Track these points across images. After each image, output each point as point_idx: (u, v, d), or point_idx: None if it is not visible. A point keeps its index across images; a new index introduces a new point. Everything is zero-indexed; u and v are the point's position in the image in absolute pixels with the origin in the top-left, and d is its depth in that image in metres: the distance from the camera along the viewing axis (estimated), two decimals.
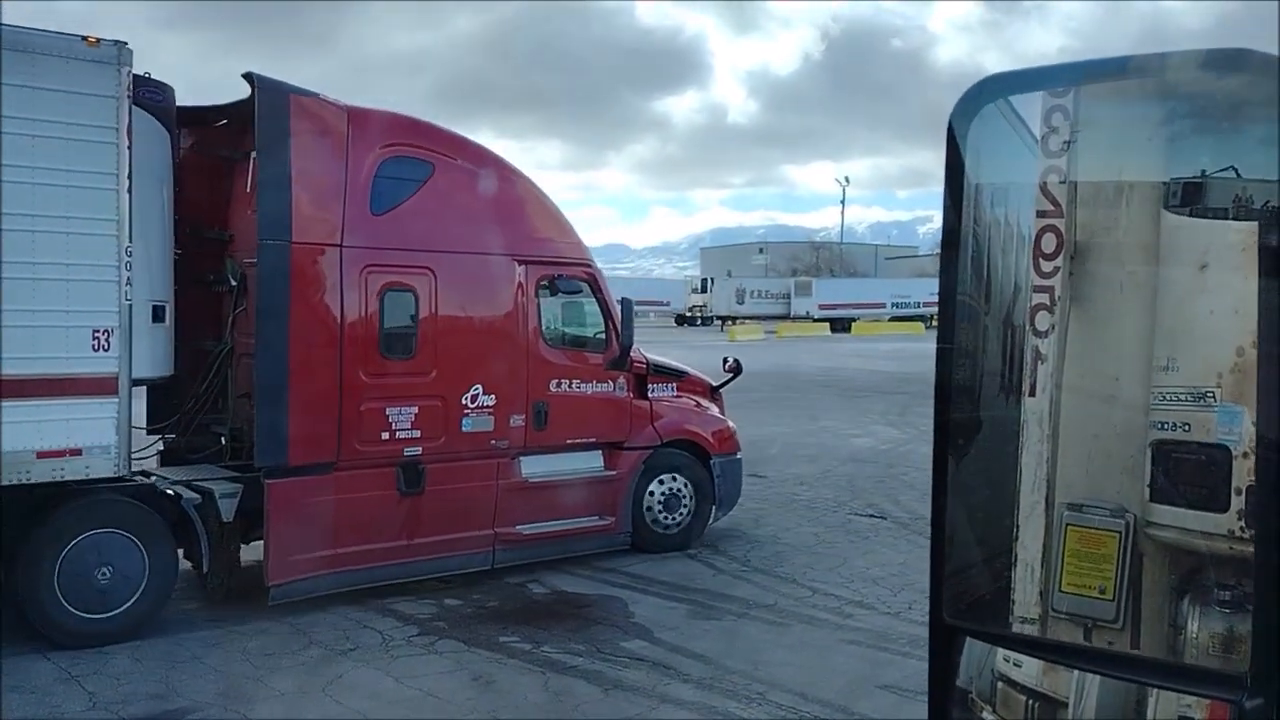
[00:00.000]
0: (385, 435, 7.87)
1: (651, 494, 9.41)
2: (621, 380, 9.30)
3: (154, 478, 7.67)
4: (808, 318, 68.85)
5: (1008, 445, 1.73)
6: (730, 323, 67.25)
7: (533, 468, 8.76)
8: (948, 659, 1.72)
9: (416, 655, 6.78)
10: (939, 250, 1.78)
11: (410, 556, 8.04)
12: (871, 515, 11.11)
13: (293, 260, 7.48)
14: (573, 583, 8.54)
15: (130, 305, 6.97)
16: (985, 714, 1.70)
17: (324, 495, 7.63)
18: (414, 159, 8.19)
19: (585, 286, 9.23)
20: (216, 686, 6.20)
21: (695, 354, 41.19)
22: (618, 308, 9.31)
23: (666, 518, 9.47)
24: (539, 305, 8.80)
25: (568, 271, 9.04)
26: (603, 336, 9.27)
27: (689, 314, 77.13)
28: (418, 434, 8.01)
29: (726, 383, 10.66)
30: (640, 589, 8.35)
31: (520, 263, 8.65)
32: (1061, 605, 1.70)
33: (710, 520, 9.82)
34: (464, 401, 8.24)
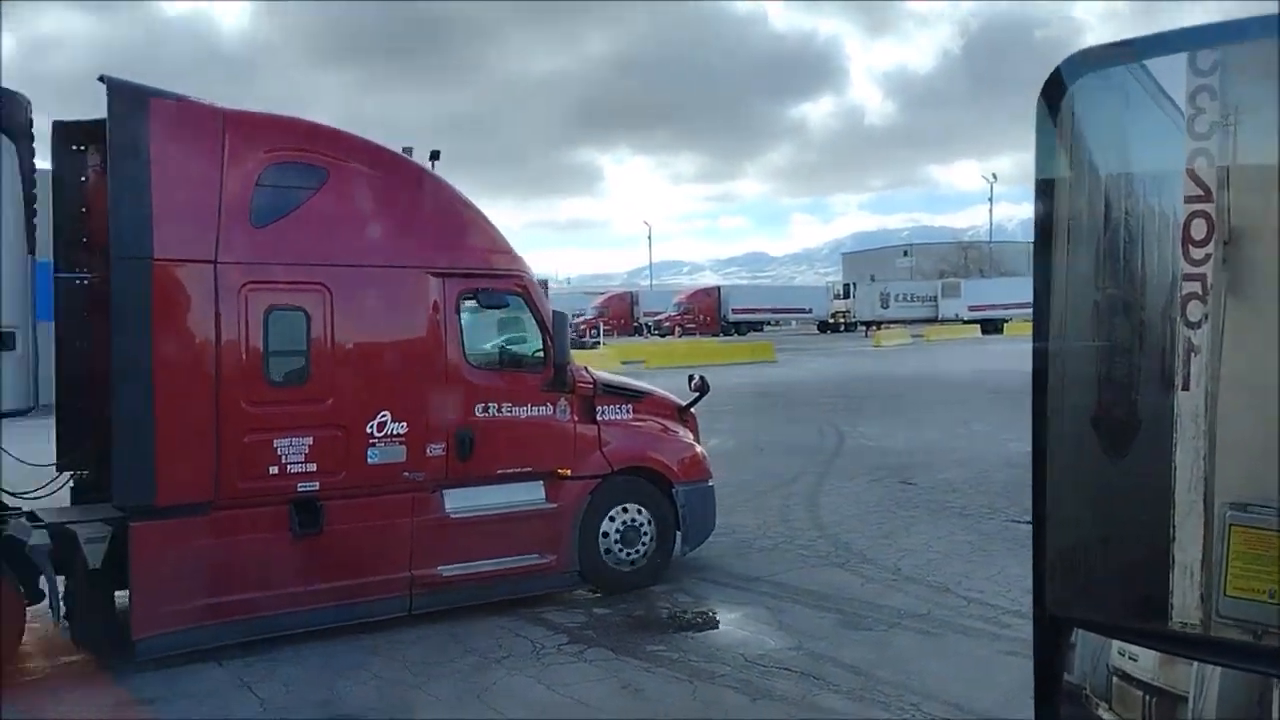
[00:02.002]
0: (274, 470, 7.06)
1: (607, 527, 8.42)
2: (564, 402, 8.30)
3: (12, 520, 7.00)
4: (957, 320, 67.08)
5: (1154, 442, 1.64)
6: (875, 328, 65.97)
7: (458, 502, 7.84)
8: (1053, 652, 1.65)
9: (567, 663, 6.89)
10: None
11: (309, 604, 7.23)
12: (1030, 522, 10.69)
13: (154, 278, 6.74)
14: (719, 592, 8.52)
15: None
16: (1101, 711, 1.62)
17: (200, 538, 6.90)
18: (303, 164, 7.36)
19: (517, 300, 8.25)
20: (378, 693, 6.43)
21: (835, 360, 40.66)
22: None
23: (625, 552, 8.44)
24: (460, 322, 7.91)
25: (494, 284, 8.07)
26: (541, 355, 8.33)
27: (832, 320, 76.06)
28: (313, 468, 7.17)
29: (694, 402, 9.59)
30: (788, 598, 8.26)
31: (435, 275, 7.75)
32: (1227, 610, 1.61)
33: (676, 555, 8.90)
34: (369, 430, 7.36)
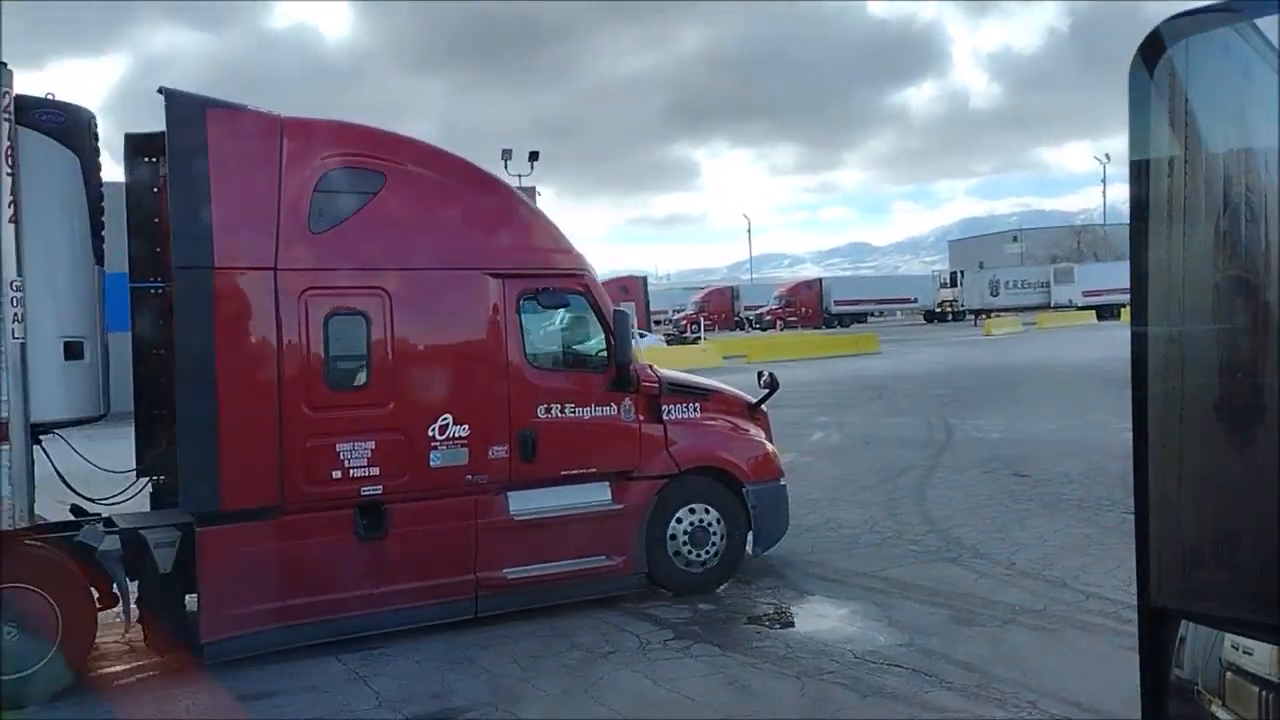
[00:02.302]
0: (337, 474, 7.10)
1: (675, 528, 8.28)
2: (628, 402, 8.16)
3: (86, 526, 7.04)
4: (1070, 306, 65.14)
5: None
6: (984, 316, 64.45)
7: (523, 504, 7.78)
8: (1159, 644, 1.55)
9: (673, 659, 6.88)
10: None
11: (374, 607, 7.28)
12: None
13: (216, 286, 6.85)
14: (825, 588, 8.40)
15: (22, 344, 6.46)
16: (1215, 708, 1.52)
17: (266, 543, 6.99)
18: (361, 169, 7.42)
19: (578, 299, 8.14)
20: (488, 686, 6.52)
21: (943, 350, 39.91)
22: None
23: (694, 554, 8.29)
24: (521, 322, 7.83)
25: (555, 284, 7.94)
26: (605, 355, 8.20)
27: (938, 310, 74.65)
28: (376, 472, 7.19)
29: (764, 399, 9.35)
30: (897, 594, 8.11)
31: (495, 276, 7.71)
32: None
33: (748, 556, 8.67)
34: (431, 434, 7.36)
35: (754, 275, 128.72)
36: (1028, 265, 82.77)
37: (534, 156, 40.33)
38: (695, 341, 48.34)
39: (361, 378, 7.39)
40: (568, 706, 6.16)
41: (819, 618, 7.66)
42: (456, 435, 7.44)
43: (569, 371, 8.25)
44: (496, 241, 7.89)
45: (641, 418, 8.27)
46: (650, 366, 8.64)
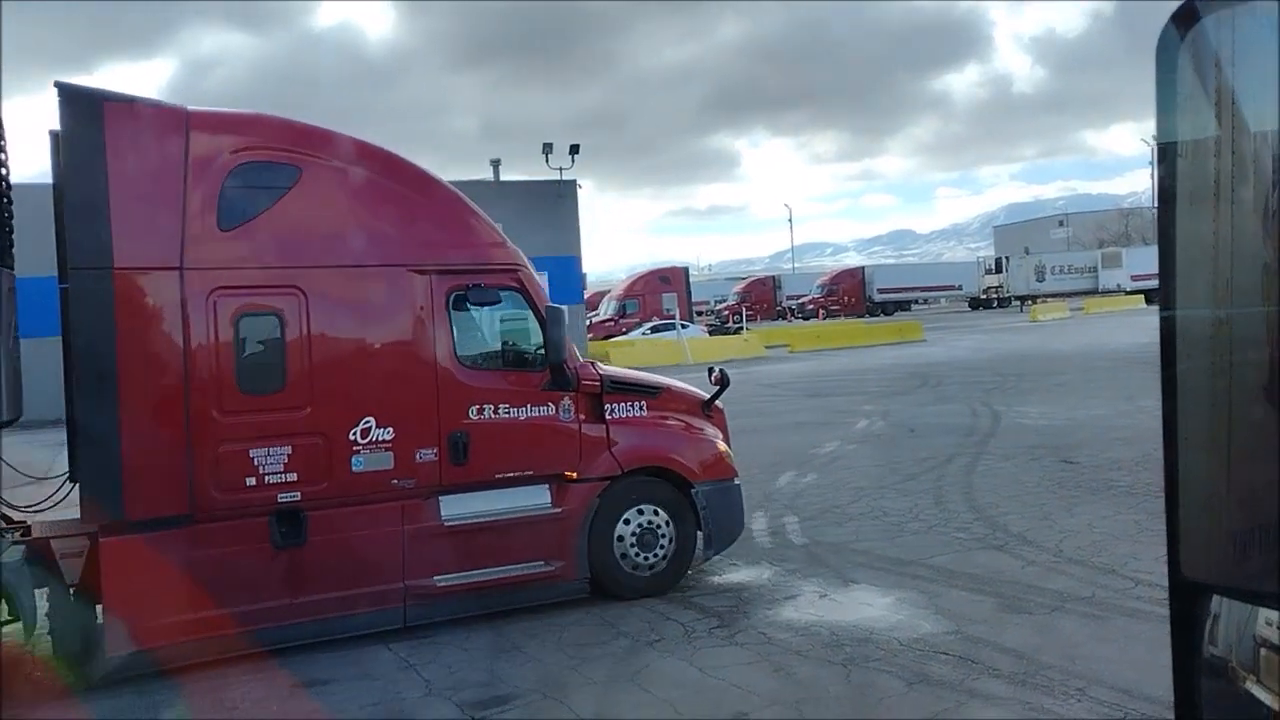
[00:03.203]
0: (251, 481, 6.84)
1: (622, 531, 7.99)
2: (567, 402, 7.89)
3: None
4: (1119, 291, 64.23)
5: None
6: (1030, 302, 63.68)
7: (455, 509, 7.50)
8: (1190, 620, 1.55)
9: (719, 646, 6.91)
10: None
11: (295, 617, 6.99)
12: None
13: (116, 288, 6.55)
14: (871, 576, 8.38)
15: None
16: (1249, 684, 1.51)
17: (176, 553, 6.67)
18: (273, 163, 7.10)
19: (512, 296, 7.85)
20: (536, 674, 6.59)
21: (988, 337, 39.49)
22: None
23: (642, 557, 8.01)
24: (451, 321, 7.54)
25: (487, 280, 7.66)
26: (543, 352, 7.89)
27: (984, 296, 73.88)
28: (294, 478, 6.94)
29: (716, 396, 8.93)
30: (943, 581, 8.07)
31: (421, 273, 7.43)
32: None
33: (700, 559, 8.45)
34: (352, 438, 7.11)
35: (796, 264, 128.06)
36: (1074, 250, 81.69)
37: (574, 150, 40.39)
38: (738, 332, 48.24)
39: (276, 380, 7.07)
40: (614, 694, 6.22)
41: (864, 605, 7.64)
42: (380, 439, 7.20)
43: (503, 371, 7.96)
44: (423, 237, 7.59)
45: (582, 417, 8.00)
46: (593, 364, 8.39)
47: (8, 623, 6.72)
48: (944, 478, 12.34)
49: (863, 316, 67.72)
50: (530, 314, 7.93)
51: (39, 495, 7.36)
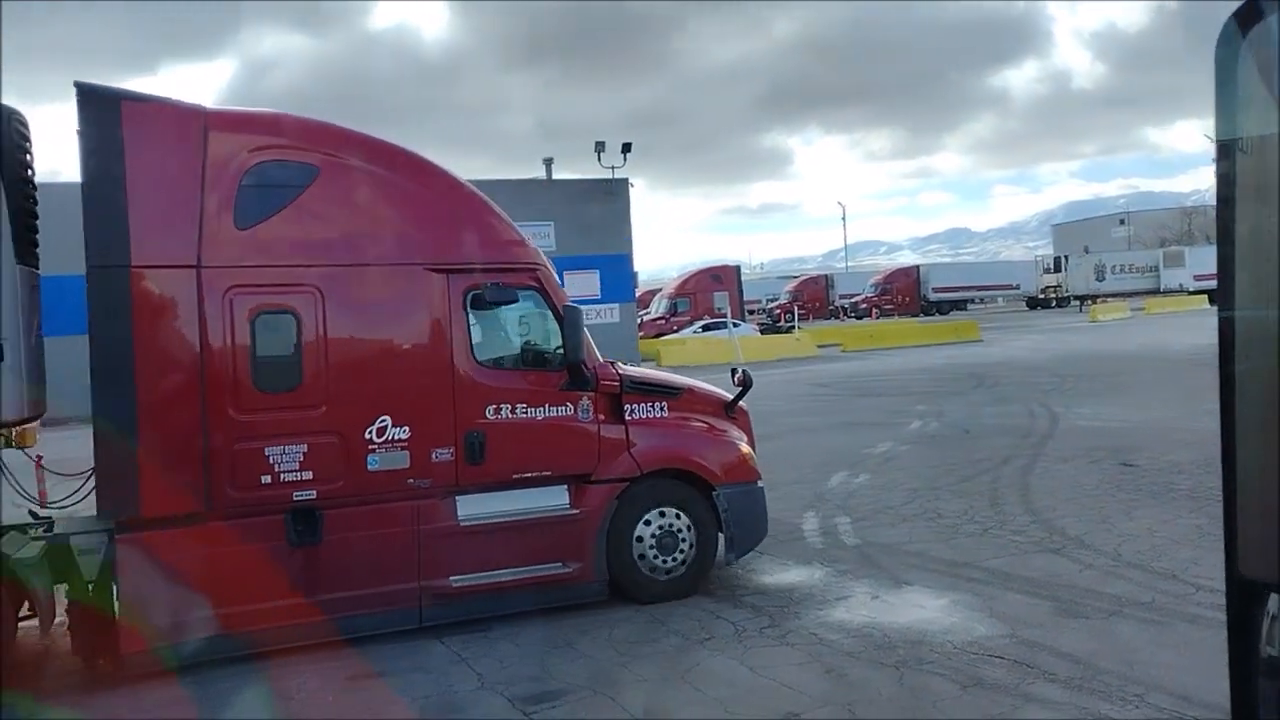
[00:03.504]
0: (266, 479, 6.86)
1: (641, 533, 7.92)
2: (586, 402, 7.81)
3: (11, 532, 6.94)
4: (1181, 290, 62.99)
5: None
6: (1090, 302, 62.61)
7: (471, 509, 7.47)
8: (1248, 619, 1.51)
9: (770, 646, 6.89)
10: None
11: (309, 616, 6.94)
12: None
13: (133, 286, 6.62)
14: (925, 578, 8.30)
15: None
16: None
17: (191, 550, 6.74)
18: (291, 162, 7.13)
19: (530, 295, 7.81)
20: (587, 671, 6.63)
21: (1046, 337, 38.95)
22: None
23: (661, 560, 7.93)
24: (468, 319, 7.51)
25: (504, 279, 7.61)
26: (561, 352, 7.80)
27: (1041, 296, 72.83)
28: (309, 476, 6.95)
29: (740, 397, 8.79)
30: (998, 584, 7.97)
31: (438, 272, 7.40)
32: None
33: (721, 563, 8.33)
34: (368, 436, 7.11)
35: (849, 263, 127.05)
36: (1135, 249, 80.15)
37: (626, 148, 40.49)
38: (789, 330, 47.99)
39: (292, 379, 7.06)
40: (665, 692, 6.23)
41: (918, 608, 7.57)
42: (396, 438, 7.19)
43: (522, 370, 7.90)
44: (440, 235, 7.55)
45: (601, 418, 7.92)
46: (613, 364, 8.24)
47: (27, 618, 6.83)
48: (1000, 479, 12.18)
49: (917, 316, 67.06)
50: (549, 314, 7.87)
51: (67, 491, 7.49)
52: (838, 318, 72.92)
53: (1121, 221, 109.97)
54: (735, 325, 41.90)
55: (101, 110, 6.68)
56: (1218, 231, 1.54)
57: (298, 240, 7.13)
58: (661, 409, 8.29)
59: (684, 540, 8.05)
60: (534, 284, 7.81)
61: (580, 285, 34.27)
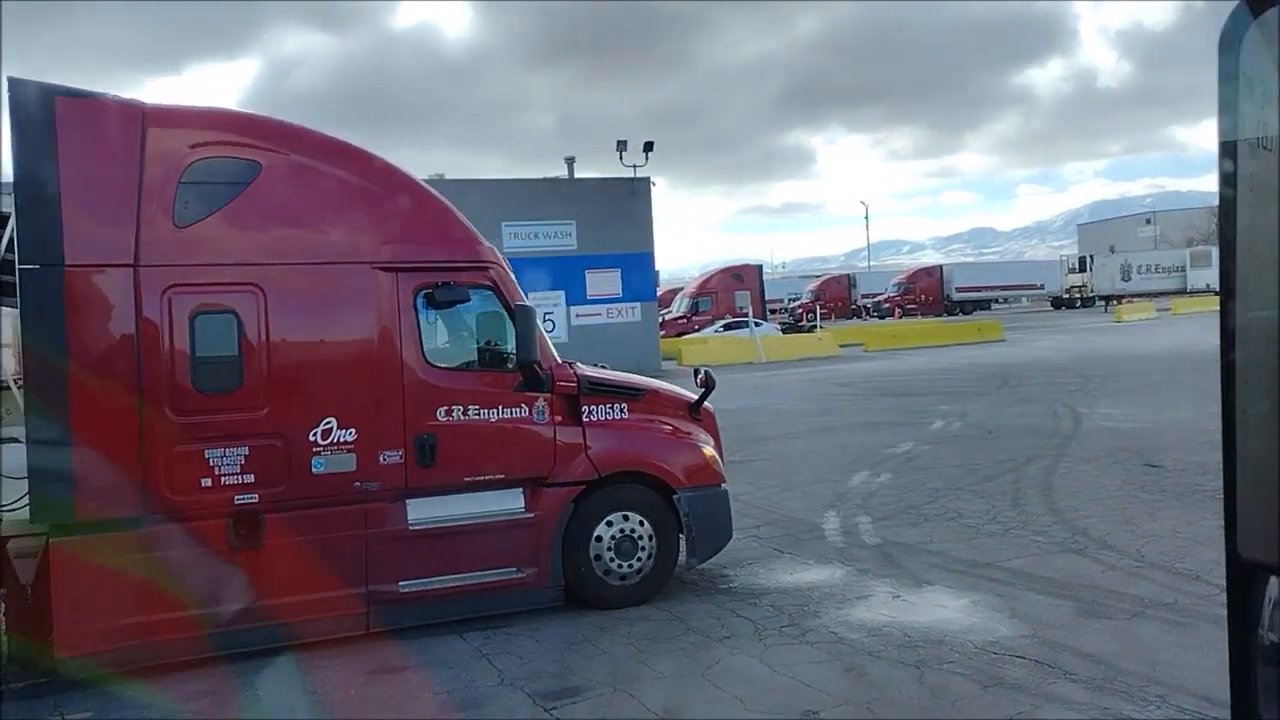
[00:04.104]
0: (207, 482, 6.67)
1: (600, 538, 7.75)
2: (541, 403, 7.64)
3: None
4: (1208, 291, 62.31)
5: None
6: (1116, 302, 62.16)
7: (421, 512, 7.29)
8: (1248, 601, 1.50)
9: (789, 644, 6.90)
10: None
11: (252, 622, 6.77)
12: None
13: (67, 286, 6.41)
14: (946, 578, 8.27)
15: None
16: None
17: (128, 554, 6.52)
18: (232, 159, 6.94)
19: (483, 294, 7.63)
20: (606, 667, 6.65)
21: (1071, 337, 38.60)
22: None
23: (620, 565, 7.76)
24: (418, 319, 7.33)
25: (457, 278, 7.43)
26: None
27: (1066, 296, 72.35)
28: (251, 479, 6.75)
29: (702, 399, 8.60)
30: (1020, 585, 7.94)
31: (387, 270, 7.22)
32: None
33: (681, 568, 8.17)
34: (312, 439, 6.91)
35: (872, 263, 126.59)
36: (1162, 249, 79.48)
37: (649, 147, 40.42)
38: (811, 330, 47.88)
39: (233, 380, 6.88)
40: (684, 689, 6.24)
41: (939, 607, 7.55)
42: (342, 440, 7.00)
43: (475, 371, 7.74)
44: (389, 234, 7.35)
45: (558, 419, 7.75)
46: (570, 364, 8.03)
47: None
48: (1022, 480, 12.11)
49: (940, 316, 66.76)
50: (504, 312, 7.66)
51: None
52: (860, 317, 72.73)
53: (1148, 221, 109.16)
54: (757, 324, 41.87)
55: (34, 107, 6.47)
56: (1223, 227, 1.53)
57: (239, 238, 6.95)
58: (621, 411, 8.12)
59: (643, 545, 7.89)
60: (487, 283, 7.64)
61: (602, 284, 34.32)
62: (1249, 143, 1.50)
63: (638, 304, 35.15)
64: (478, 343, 7.96)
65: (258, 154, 7.02)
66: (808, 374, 29.71)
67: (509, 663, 6.81)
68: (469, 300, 7.61)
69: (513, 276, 7.86)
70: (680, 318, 51.59)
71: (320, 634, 7.01)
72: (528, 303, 7.71)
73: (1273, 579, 1.52)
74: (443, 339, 7.88)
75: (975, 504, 10.89)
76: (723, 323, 45.09)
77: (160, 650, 6.62)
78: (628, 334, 33.77)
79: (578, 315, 33.88)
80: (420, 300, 7.36)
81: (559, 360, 7.96)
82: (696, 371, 8.92)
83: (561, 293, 33.52)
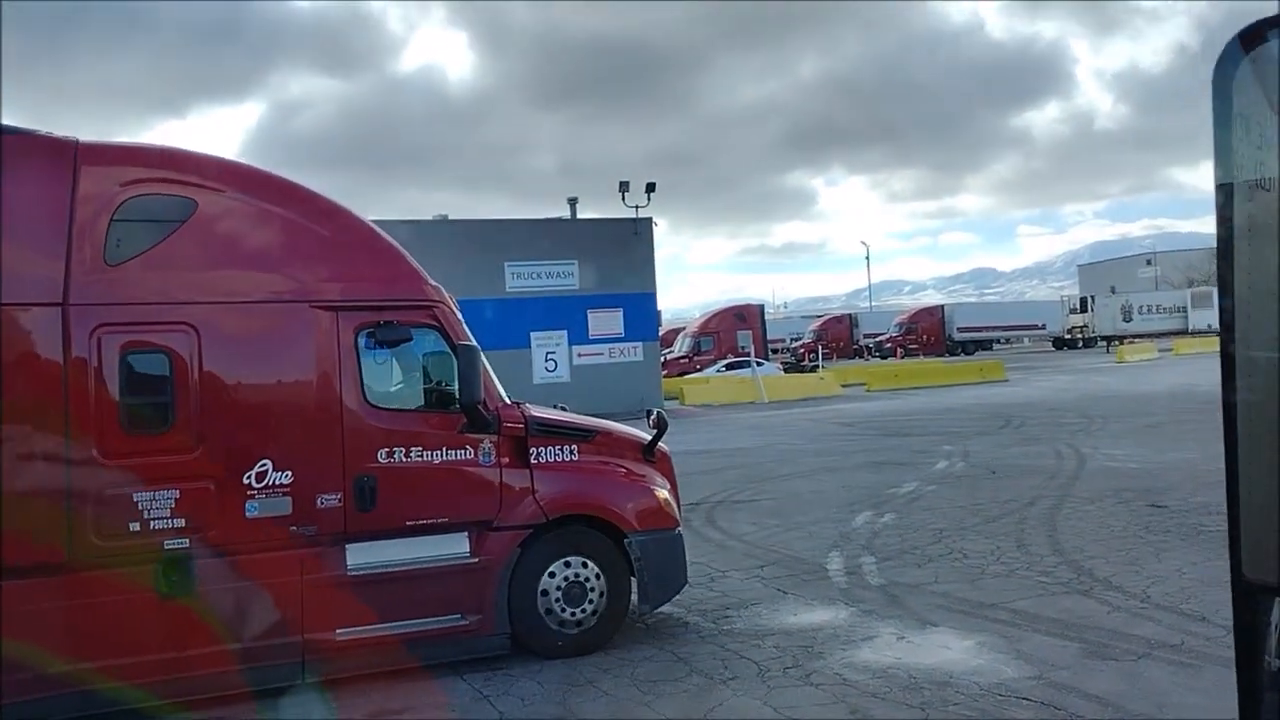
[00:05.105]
0: (135, 526, 6.43)
1: (547, 584, 7.56)
2: (487, 445, 7.45)
3: None
4: (1209, 331, 62.39)
5: None
6: (1117, 343, 62.21)
7: (361, 558, 7.05)
8: (1254, 623, 1.49)
9: (794, 686, 6.83)
10: None
11: (182, 671, 6.52)
12: None
13: None
14: (951, 619, 8.22)
15: None
16: None
17: (51, 601, 6.30)
18: (166, 196, 6.80)
19: (427, 334, 7.46)
20: (609, 709, 6.59)
21: (1073, 378, 38.59)
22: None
23: (569, 613, 7.57)
24: (359, 359, 7.14)
25: (399, 316, 7.27)
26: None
27: (1068, 336, 72.46)
28: (182, 524, 6.52)
29: (655, 440, 8.43)
30: (1025, 626, 7.88)
31: (326, 309, 7.06)
32: None
33: (634, 615, 8.01)
34: (246, 481, 6.71)
35: (874, 303, 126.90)
36: (1163, 289, 79.70)
37: (650, 188, 40.68)
38: (813, 370, 47.87)
39: (163, 421, 6.70)
40: None
41: (943, 648, 7.49)
42: (277, 483, 6.80)
43: (418, 412, 7.50)
44: (328, 271, 7.19)
45: (505, 461, 7.54)
46: (518, 405, 7.88)
47: None
48: (1027, 520, 12.06)
49: (942, 356, 66.81)
50: (449, 351, 7.49)
51: None
52: (862, 357, 72.76)
53: (1148, 262, 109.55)
54: (759, 364, 41.90)
55: None
56: (1223, 269, 1.54)
57: (172, 277, 6.77)
58: (571, 452, 7.93)
59: (593, 590, 7.69)
60: (431, 322, 7.47)
61: (604, 323, 34.38)
62: (1247, 183, 1.51)
63: (640, 343, 35.18)
64: (423, 383, 7.80)
65: (193, 191, 6.89)
66: (810, 413, 29.67)
67: (510, 704, 6.75)
68: (411, 339, 7.47)
69: (459, 316, 7.67)
70: (682, 357, 51.65)
71: (253, 684, 6.74)
72: (473, 342, 7.53)
73: (1277, 602, 1.51)
74: (386, 379, 7.66)
75: (980, 544, 10.83)
76: (725, 362, 45.16)
77: (85, 700, 6.36)
78: (630, 373, 33.78)
79: (580, 355, 33.91)
80: (362, 339, 7.21)
81: (507, 401, 7.80)
82: (649, 412, 8.84)
83: (564, 332, 33.60)
